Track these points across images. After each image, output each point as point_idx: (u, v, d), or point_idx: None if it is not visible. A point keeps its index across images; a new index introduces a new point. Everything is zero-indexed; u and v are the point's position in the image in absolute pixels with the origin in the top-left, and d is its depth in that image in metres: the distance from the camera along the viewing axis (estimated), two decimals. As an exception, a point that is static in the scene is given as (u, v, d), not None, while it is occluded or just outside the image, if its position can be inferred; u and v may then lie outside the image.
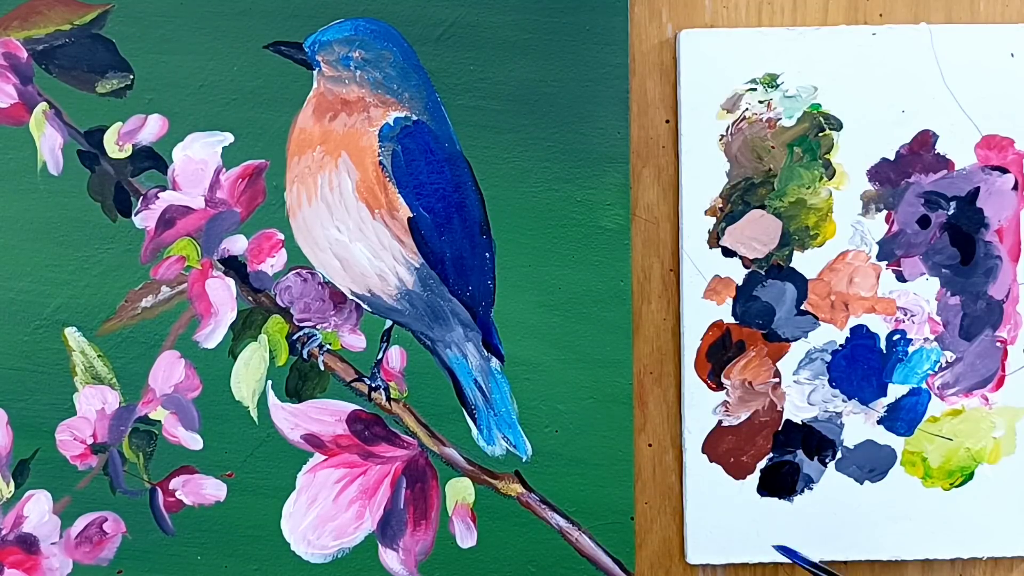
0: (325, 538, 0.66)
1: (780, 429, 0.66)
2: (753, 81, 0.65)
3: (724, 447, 0.66)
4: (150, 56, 0.64)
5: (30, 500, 0.65)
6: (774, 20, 0.67)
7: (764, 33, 0.65)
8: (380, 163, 0.63)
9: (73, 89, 0.64)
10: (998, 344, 0.66)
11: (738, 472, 0.66)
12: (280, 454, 0.65)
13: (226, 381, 0.65)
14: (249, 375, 0.65)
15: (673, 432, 0.67)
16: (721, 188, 0.65)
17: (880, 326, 0.66)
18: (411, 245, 0.64)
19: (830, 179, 0.66)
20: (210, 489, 0.65)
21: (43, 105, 0.64)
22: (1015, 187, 0.66)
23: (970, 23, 0.67)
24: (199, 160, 0.64)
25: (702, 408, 0.66)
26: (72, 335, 0.65)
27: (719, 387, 0.66)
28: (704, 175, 0.65)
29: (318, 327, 0.65)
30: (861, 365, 0.66)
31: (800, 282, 0.66)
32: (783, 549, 0.66)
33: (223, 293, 0.65)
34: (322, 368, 0.65)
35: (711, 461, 0.66)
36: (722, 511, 0.66)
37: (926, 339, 0.66)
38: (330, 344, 0.65)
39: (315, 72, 0.64)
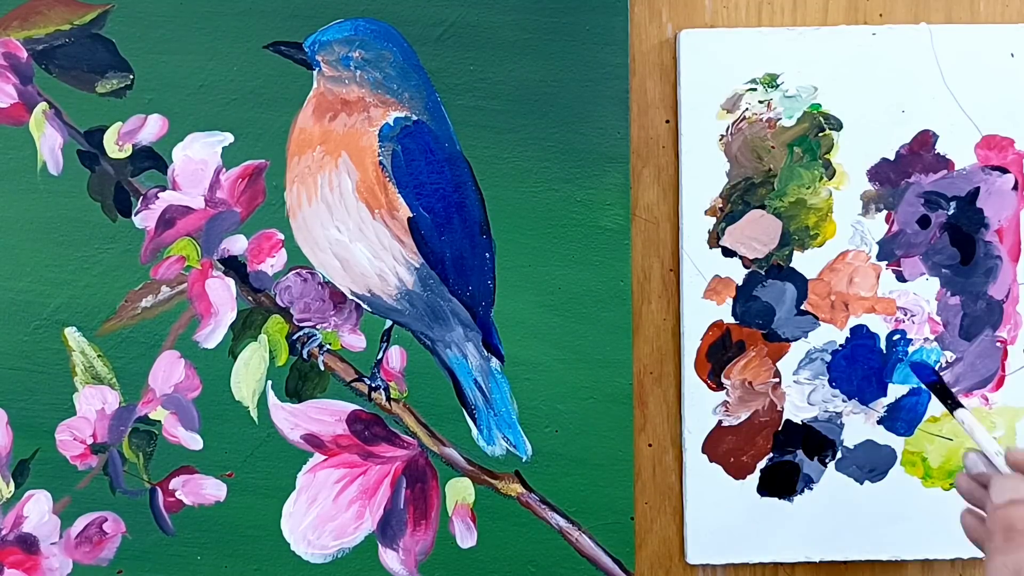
0: (325, 538, 0.66)
1: (780, 429, 0.66)
2: (753, 81, 0.65)
3: (724, 447, 0.66)
4: (150, 56, 0.64)
5: (30, 500, 0.65)
6: (774, 20, 0.66)
7: (764, 33, 0.65)
8: (380, 163, 0.63)
9: (73, 89, 0.64)
10: (998, 344, 0.66)
11: (738, 472, 0.66)
12: (280, 454, 0.65)
13: (226, 381, 0.65)
14: (249, 375, 0.65)
15: (673, 432, 0.67)
16: (721, 188, 0.65)
17: (880, 326, 0.66)
18: (411, 245, 0.64)
19: (830, 179, 0.66)
20: (210, 489, 0.65)
21: (43, 105, 0.64)
22: (1015, 187, 0.66)
23: (970, 23, 0.67)
24: (199, 160, 0.64)
25: (702, 408, 0.66)
26: (72, 335, 0.64)
27: (719, 387, 0.66)
28: (704, 175, 0.65)
29: (318, 327, 0.65)
30: (861, 365, 0.66)
31: (800, 282, 0.66)
32: (915, 365, 0.64)
33: (223, 293, 0.65)
34: (322, 368, 0.65)
35: (711, 461, 0.66)
36: (722, 511, 0.66)
37: (926, 339, 0.66)
38: (330, 344, 0.65)
39: (315, 72, 0.64)
